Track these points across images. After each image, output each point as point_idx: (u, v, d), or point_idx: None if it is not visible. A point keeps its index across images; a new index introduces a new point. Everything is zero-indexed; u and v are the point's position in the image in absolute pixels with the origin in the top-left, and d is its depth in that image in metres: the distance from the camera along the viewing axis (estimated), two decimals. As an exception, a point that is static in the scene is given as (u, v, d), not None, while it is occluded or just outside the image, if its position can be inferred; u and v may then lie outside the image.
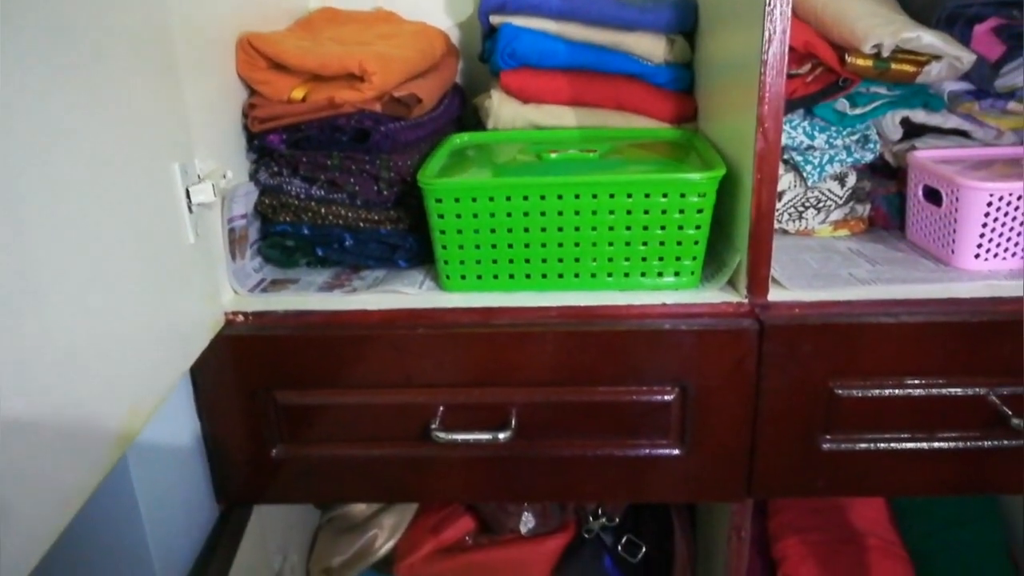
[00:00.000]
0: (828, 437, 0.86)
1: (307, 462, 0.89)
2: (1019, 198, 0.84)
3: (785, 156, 1.01)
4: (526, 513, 1.07)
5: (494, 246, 0.84)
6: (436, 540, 1.09)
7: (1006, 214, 0.85)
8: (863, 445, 0.86)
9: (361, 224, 0.92)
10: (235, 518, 0.89)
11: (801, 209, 1.02)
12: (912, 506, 1.38)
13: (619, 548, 1.11)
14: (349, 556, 1.11)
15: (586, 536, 1.10)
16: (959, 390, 0.83)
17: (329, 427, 0.87)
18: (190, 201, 0.74)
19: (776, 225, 0.95)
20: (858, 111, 0.96)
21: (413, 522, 1.13)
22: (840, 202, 1.02)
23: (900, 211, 1.02)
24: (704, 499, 0.89)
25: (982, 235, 0.86)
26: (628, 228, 0.83)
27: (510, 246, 0.84)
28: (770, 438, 0.86)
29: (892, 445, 0.86)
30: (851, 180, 1.02)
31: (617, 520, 1.09)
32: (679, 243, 0.83)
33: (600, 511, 1.09)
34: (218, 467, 0.89)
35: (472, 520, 1.12)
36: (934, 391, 0.83)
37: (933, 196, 0.92)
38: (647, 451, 0.86)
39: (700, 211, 0.82)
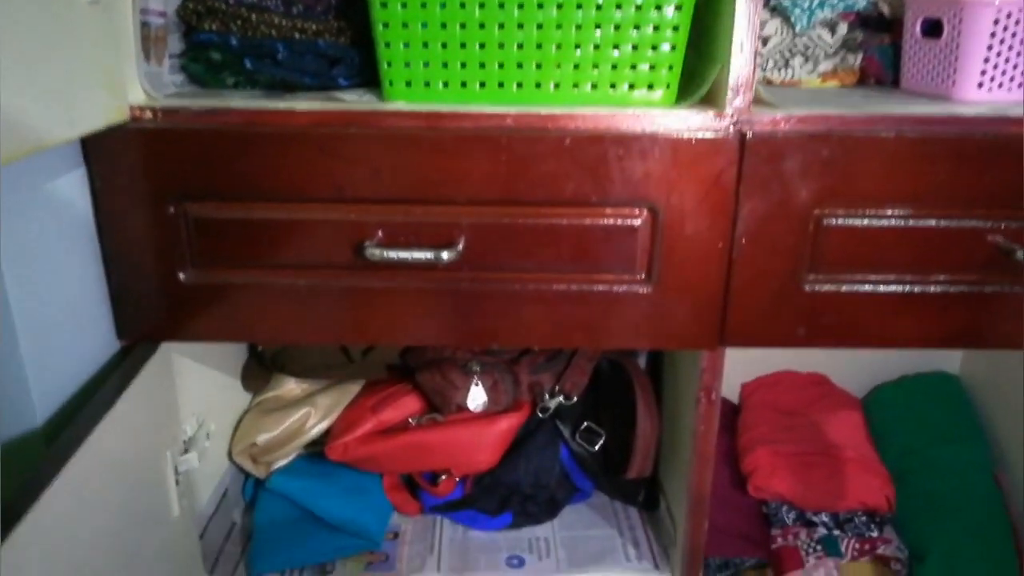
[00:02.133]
0: (812, 276, 0.77)
1: (222, 291, 0.78)
2: (1028, 17, 0.76)
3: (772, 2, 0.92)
4: (475, 387, 0.97)
5: (444, 45, 0.74)
6: (375, 419, 0.99)
7: (1013, 35, 0.77)
8: (850, 287, 0.77)
9: (297, 35, 0.82)
10: (135, 357, 0.77)
11: (788, 56, 0.93)
12: (891, 423, 1.30)
13: (576, 437, 1.01)
14: (276, 433, 1.00)
15: (541, 415, 1.00)
16: (958, 223, 0.75)
17: (248, 248, 0.76)
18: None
19: (759, 73, 0.86)
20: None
21: (352, 403, 1.02)
22: (830, 51, 0.93)
23: (895, 63, 0.93)
24: (672, 346, 0.79)
25: (986, 60, 0.78)
26: (597, 27, 0.73)
27: (463, 46, 0.74)
28: (748, 276, 0.76)
29: (881, 288, 0.77)
30: (842, 29, 0.93)
31: (575, 398, 0.99)
32: (654, 48, 0.73)
33: (557, 388, 0.99)
34: (119, 295, 0.78)
35: (417, 401, 1.01)
36: (931, 222, 0.75)
37: (932, 30, 0.84)
38: (610, 287, 0.76)
39: (679, 7, 0.72)
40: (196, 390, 0.92)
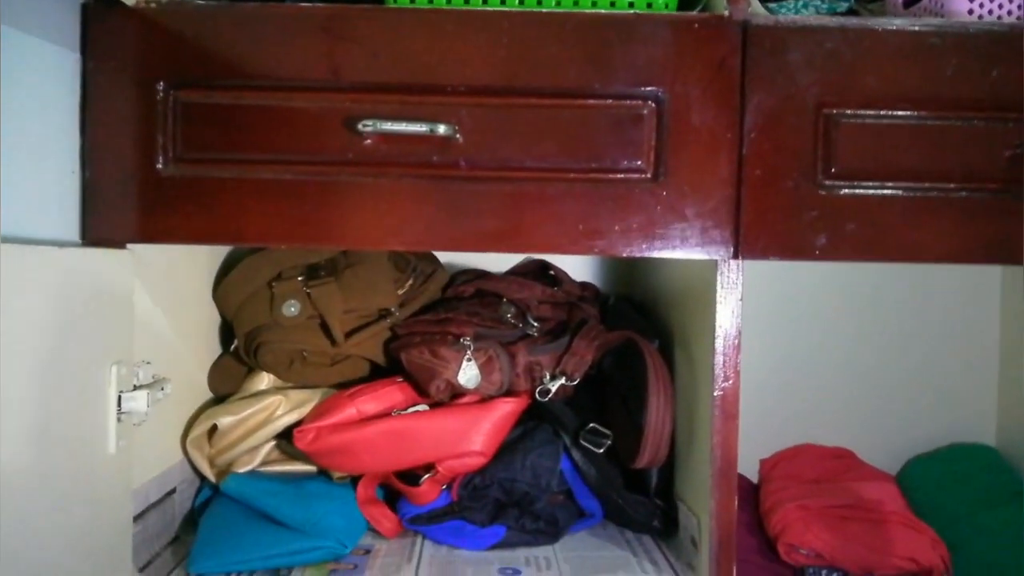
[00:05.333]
0: (827, 179, 0.73)
1: (203, 186, 0.73)
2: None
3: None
4: (467, 363, 0.86)
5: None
6: (353, 407, 0.87)
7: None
8: (867, 191, 0.73)
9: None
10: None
11: None
12: (932, 493, 1.16)
13: (580, 440, 0.89)
14: (240, 417, 0.87)
15: (540, 399, 0.88)
16: (972, 123, 0.73)
17: (235, 137, 0.72)
18: None
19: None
20: None
21: (328, 395, 0.91)
22: None
23: None
24: (683, 253, 0.72)
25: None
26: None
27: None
28: (760, 174, 0.72)
29: (900, 193, 0.73)
30: None
31: (577, 379, 0.88)
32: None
33: (558, 369, 0.88)
34: (91, 188, 0.72)
35: (401, 393, 0.89)
36: (945, 122, 0.73)
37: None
38: (617, 184, 0.72)
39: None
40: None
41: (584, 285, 1.09)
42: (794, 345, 1.25)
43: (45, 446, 0.61)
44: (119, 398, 0.71)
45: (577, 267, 1.18)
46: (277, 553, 0.80)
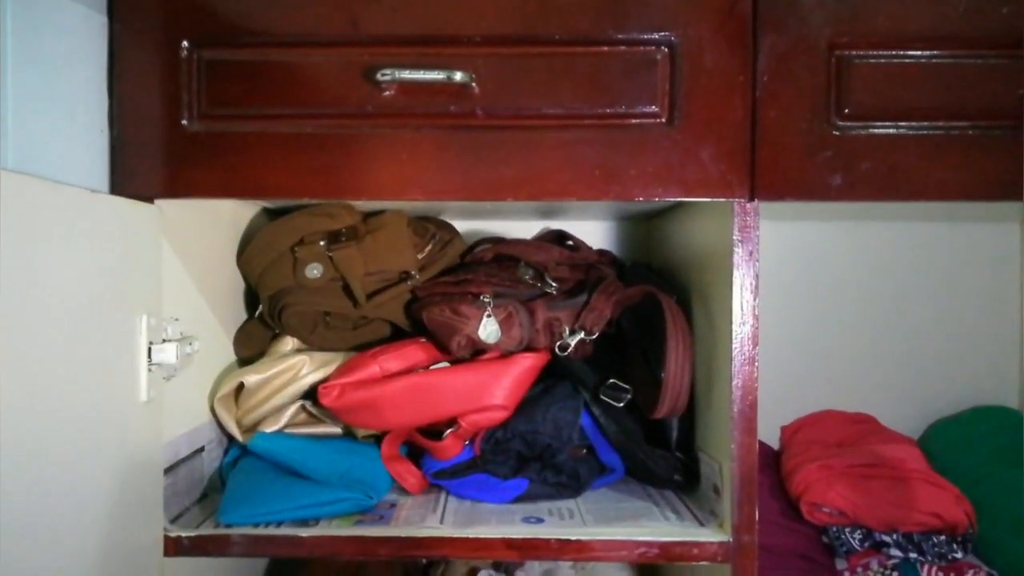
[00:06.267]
0: (839, 117, 0.73)
1: (227, 141, 0.75)
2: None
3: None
4: (487, 319, 0.87)
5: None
6: (376, 365, 0.88)
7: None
8: (882, 130, 0.73)
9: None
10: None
11: None
12: (956, 454, 1.16)
13: (600, 395, 0.89)
14: (267, 375, 0.89)
15: (560, 353, 0.89)
16: (994, 59, 0.73)
17: (258, 92, 0.74)
18: None
19: None
20: None
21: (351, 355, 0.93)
22: None
23: None
24: (700, 194, 0.73)
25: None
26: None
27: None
28: (774, 115, 0.73)
29: (915, 132, 0.73)
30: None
31: (596, 333, 0.88)
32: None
33: (577, 324, 0.89)
34: (119, 145, 0.74)
35: (424, 353, 0.90)
36: (962, 60, 0.73)
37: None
38: (630, 120, 0.73)
39: None
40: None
41: (601, 252, 1.10)
42: (813, 312, 1.25)
43: (77, 389, 0.63)
44: (149, 349, 0.73)
45: (594, 238, 1.19)
46: (304, 504, 0.81)
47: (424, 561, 1.18)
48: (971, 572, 0.98)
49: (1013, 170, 0.73)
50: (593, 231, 1.20)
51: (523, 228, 1.18)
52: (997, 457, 1.13)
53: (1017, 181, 0.73)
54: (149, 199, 0.75)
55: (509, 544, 0.77)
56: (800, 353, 1.25)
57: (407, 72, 0.71)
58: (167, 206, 0.77)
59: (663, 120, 0.73)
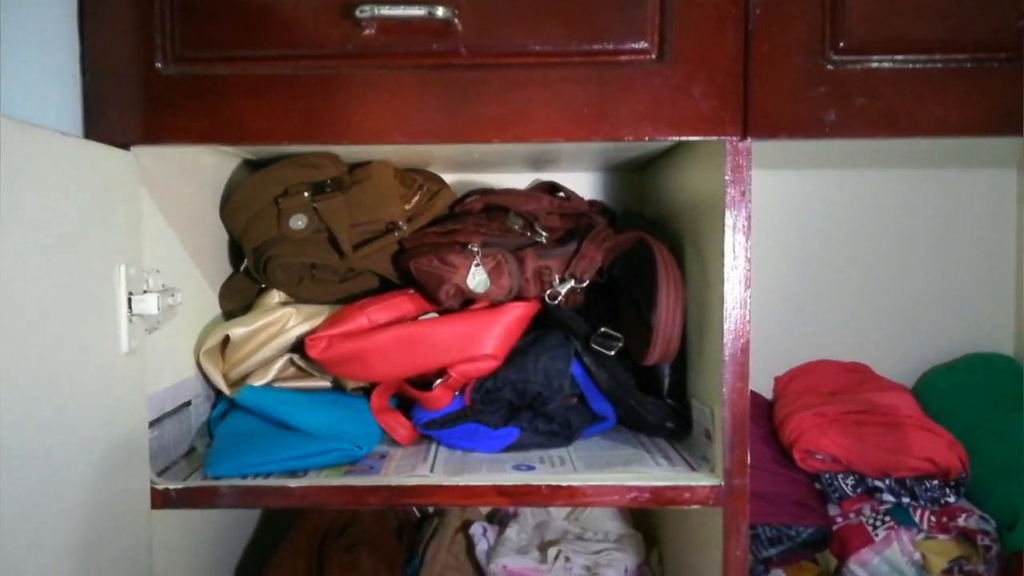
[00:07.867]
0: (834, 51, 0.71)
1: (202, 84, 0.72)
2: None
3: None
4: (475, 267, 0.86)
5: None
6: (364, 316, 0.87)
7: None
8: (877, 64, 0.71)
9: None
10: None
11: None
12: (949, 401, 1.15)
13: (591, 343, 0.88)
14: (252, 328, 0.87)
15: (550, 302, 0.87)
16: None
17: (234, 32, 0.72)
18: None
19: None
20: None
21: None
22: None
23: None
24: (692, 131, 0.72)
25: None
26: None
27: None
28: (766, 49, 0.71)
29: (911, 65, 0.71)
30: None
31: (587, 282, 0.87)
32: None
33: (568, 272, 0.88)
34: (92, 91, 0.72)
35: (412, 304, 0.89)
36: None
37: None
38: (620, 57, 0.71)
39: None
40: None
41: (592, 202, 1.08)
42: (806, 262, 1.24)
43: (55, 339, 0.61)
44: (129, 300, 0.72)
45: (586, 190, 1.18)
46: (293, 455, 0.80)
47: (417, 516, 1.18)
48: (963, 516, 0.98)
49: (1013, 104, 0.71)
50: (585, 182, 1.18)
51: (514, 180, 1.16)
52: (991, 403, 1.13)
53: (1017, 115, 0.71)
54: (124, 146, 0.73)
55: (500, 491, 0.76)
56: (794, 304, 1.24)
57: (386, 8, 0.68)
58: (145, 154, 0.75)
59: (653, 56, 0.71)
